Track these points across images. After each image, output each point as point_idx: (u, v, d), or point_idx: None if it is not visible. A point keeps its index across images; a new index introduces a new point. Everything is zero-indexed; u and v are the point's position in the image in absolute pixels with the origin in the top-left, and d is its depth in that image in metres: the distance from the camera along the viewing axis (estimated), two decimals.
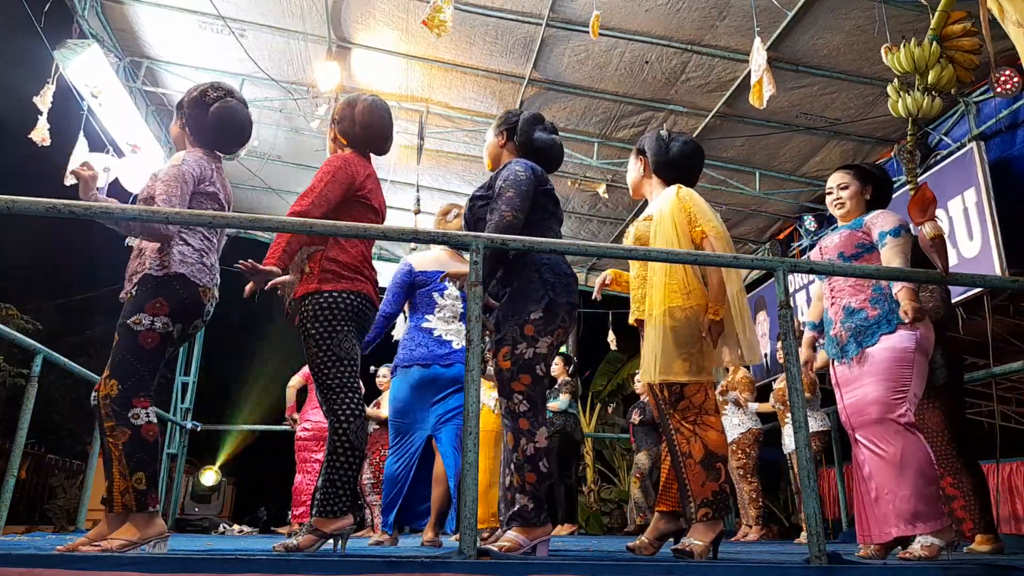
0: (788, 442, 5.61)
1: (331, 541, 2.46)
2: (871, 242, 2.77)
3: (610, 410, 9.07)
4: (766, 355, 8.76)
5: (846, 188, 2.94)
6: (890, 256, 2.66)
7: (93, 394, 2.42)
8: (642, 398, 6.68)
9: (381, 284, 2.81)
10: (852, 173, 2.96)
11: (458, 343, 3.52)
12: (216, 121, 2.58)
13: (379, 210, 2.70)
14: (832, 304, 2.88)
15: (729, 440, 5.87)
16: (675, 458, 2.62)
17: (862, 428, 2.66)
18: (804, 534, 4.67)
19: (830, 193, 3.01)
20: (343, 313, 2.47)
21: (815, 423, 5.57)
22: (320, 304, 2.47)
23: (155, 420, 2.33)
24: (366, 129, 2.73)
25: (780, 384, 5.75)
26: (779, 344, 5.80)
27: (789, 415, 3.22)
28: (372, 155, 2.83)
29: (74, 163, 5.72)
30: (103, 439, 2.34)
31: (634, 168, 2.98)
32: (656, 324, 2.64)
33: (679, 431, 2.61)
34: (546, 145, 2.81)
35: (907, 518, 2.49)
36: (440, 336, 3.53)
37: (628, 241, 2.90)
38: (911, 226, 2.69)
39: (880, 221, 2.76)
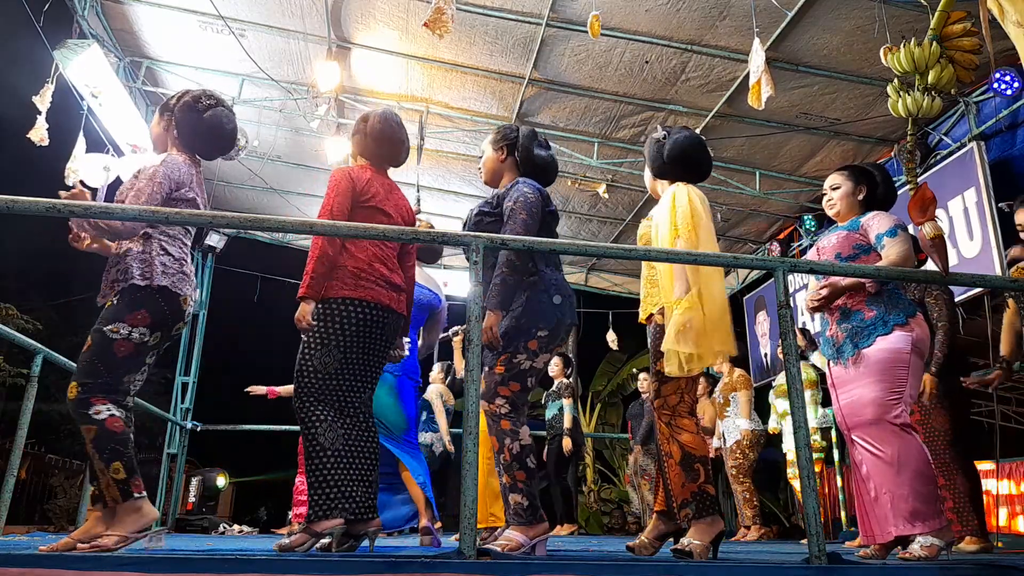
0: (788, 441, 5.61)
1: (324, 540, 2.47)
2: (869, 244, 2.76)
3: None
4: (766, 355, 8.76)
5: (837, 189, 2.94)
6: (891, 254, 2.65)
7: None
8: (643, 396, 6.69)
9: None
10: (845, 174, 2.96)
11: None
12: (209, 128, 2.64)
13: (392, 214, 2.74)
14: None
15: (730, 442, 5.88)
16: (660, 457, 2.68)
17: (858, 429, 2.66)
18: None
19: (824, 194, 3.03)
20: (335, 324, 2.51)
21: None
22: (318, 314, 2.52)
23: (119, 413, 2.33)
24: (377, 142, 2.81)
25: (781, 383, 5.76)
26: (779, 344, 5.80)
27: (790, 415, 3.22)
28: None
29: (74, 163, 5.73)
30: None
31: (647, 173, 2.99)
32: (662, 322, 2.68)
33: (661, 431, 2.66)
34: (545, 162, 2.92)
35: (906, 517, 2.50)
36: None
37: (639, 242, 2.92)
38: (911, 226, 2.69)
39: (876, 224, 2.75)
